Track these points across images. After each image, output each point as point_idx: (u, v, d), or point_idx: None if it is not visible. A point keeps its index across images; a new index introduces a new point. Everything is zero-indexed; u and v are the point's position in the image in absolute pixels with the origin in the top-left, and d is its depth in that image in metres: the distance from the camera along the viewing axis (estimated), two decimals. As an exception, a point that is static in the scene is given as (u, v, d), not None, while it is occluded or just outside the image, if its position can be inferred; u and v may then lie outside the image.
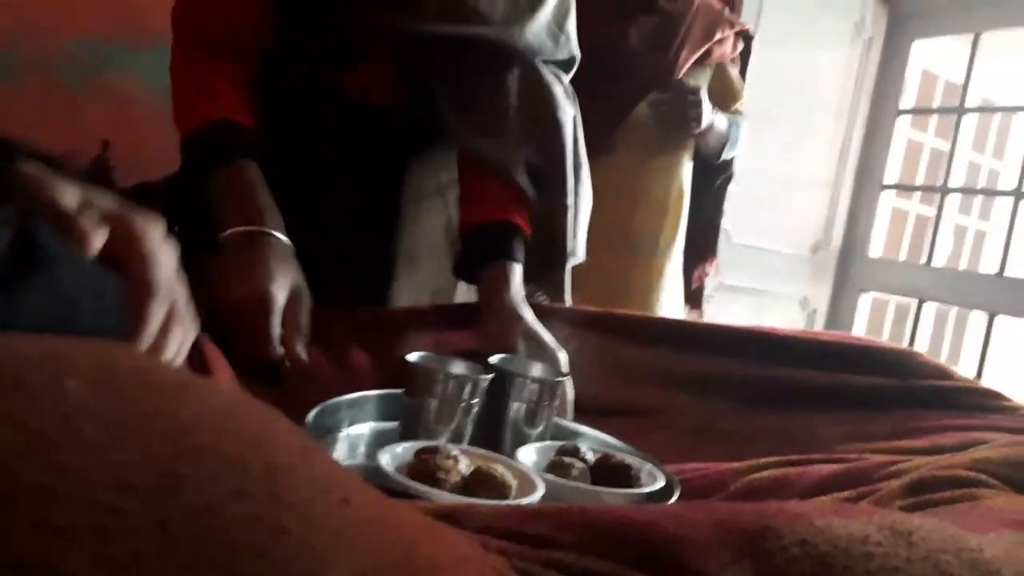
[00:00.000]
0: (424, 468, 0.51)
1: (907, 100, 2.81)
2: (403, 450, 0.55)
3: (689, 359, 0.90)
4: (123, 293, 0.39)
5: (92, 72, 1.91)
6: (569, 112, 0.95)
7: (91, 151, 1.87)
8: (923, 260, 2.73)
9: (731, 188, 1.76)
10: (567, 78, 0.99)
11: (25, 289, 0.33)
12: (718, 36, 1.61)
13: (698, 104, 1.50)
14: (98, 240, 0.38)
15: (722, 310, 2.29)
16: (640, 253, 1.54)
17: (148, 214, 0.42)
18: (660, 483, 0.62)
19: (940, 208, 2.76)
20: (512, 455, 0.62)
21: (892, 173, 2.81)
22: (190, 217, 0.77)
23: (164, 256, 0.41)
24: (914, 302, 2.76)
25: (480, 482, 0.52)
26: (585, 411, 0.81)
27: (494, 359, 0.70)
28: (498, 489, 0.52)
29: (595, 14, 1.42)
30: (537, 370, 0.73)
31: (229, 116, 0.83)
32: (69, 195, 0.39)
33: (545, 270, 0.94)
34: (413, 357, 0.63)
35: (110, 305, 0.39)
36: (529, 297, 0.98)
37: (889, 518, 0.33)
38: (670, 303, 1.58)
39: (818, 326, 2.74)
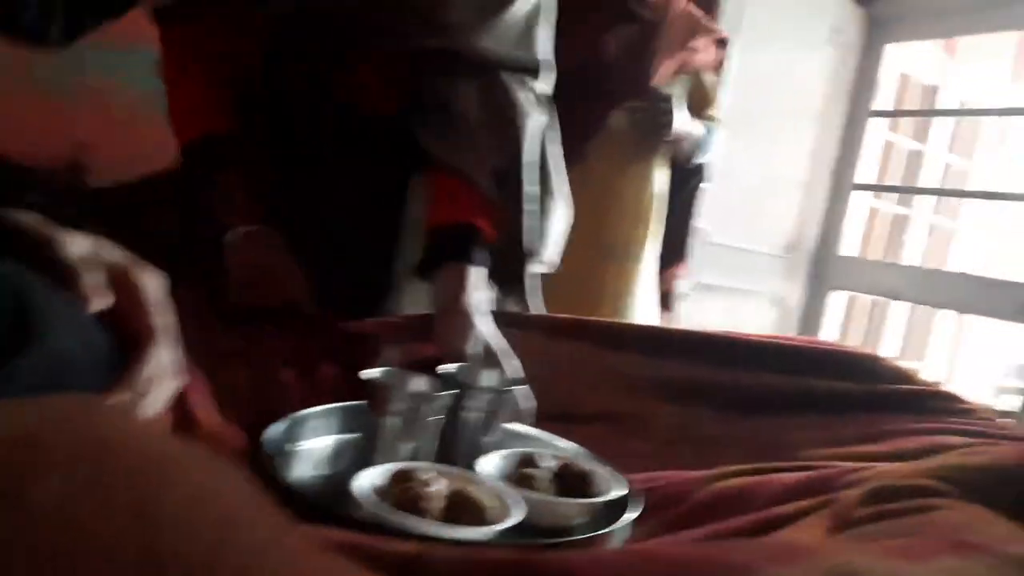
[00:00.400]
0: (406, 497, 0.52)
1: (883, 102, 2.85)
2: (377, 475, 0.55)
3: (660, 365, 0.91)
4: (115, 349, 0.41)
5: (71, 74, 1.89)
6: (535, 119, 0.95)
7: (67, 153, 1.84)
8: (900, 258, 2.78)
9: (709, 188, 1.78)
10: (540, 84, 1.00)
11: (24, 359, 0.34)
12: (694, 44, 1.62)
13: (669, 112, 1.51)
14: (102, 299, 0.40)
15: (698, 308, 2.31)
16: (614, 259, 1.56)
17: (149, 266, 0.44)
18: (621, 489, 0.63)
19: (911, 208, 2.80)
20: (468, 464, 0.62)
21: (868, 174, 2.85)
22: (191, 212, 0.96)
23: (166, 308, 0.43)
24: (886, 299, 2.80)
25: (461, 507, 0.53)
26: (556, 419, 0.81)
27: (446, 368, 0.71)
28: (479, 514, 0.53)
29: (573, 23, 1.43)
30: (490, 378, 0.73)
31: (220, 128, 0.94)
32: (72, 247, 0.39)
33: (508, 276, 0.95)
34: (372, 374, 0.64)
35: (104, 362, 0.40)
36: (500, 304, 0.99)
37: (832, 562, 0.34)
38: (644, 307, 1.59)
39: (792, 324, 2.78)
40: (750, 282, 2.62)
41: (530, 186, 0.94)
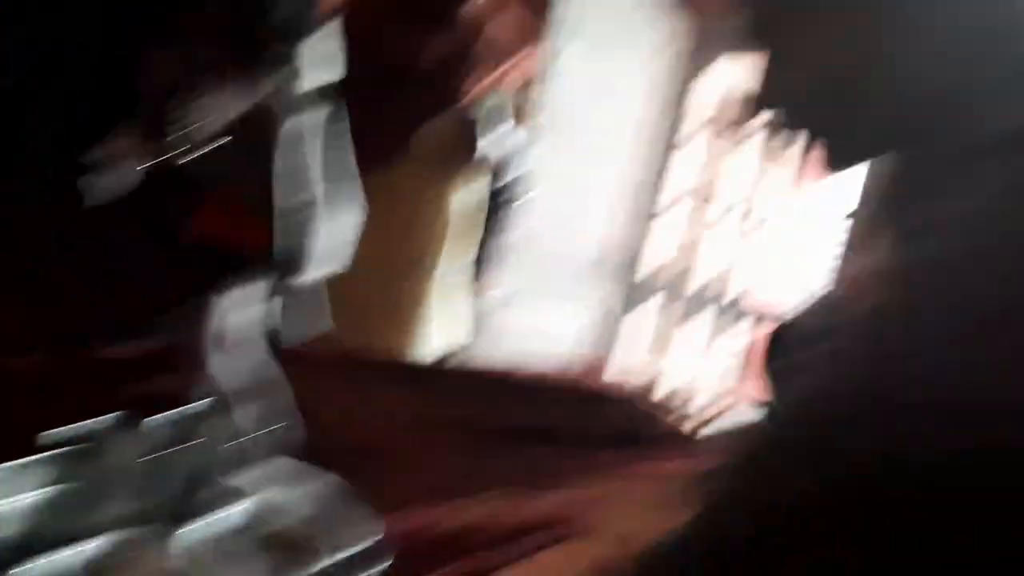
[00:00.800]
0: None
1: (708, 113, 3.01)
2: (67, 559, 0.52)
3: (429, 400, 0.95)
4: None
5: None
6: (295, 120, 0.89)
7: None
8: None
9: (529, 196, 1.82)
10: (319, 76, 0.90)
11: None
12: (519, 53, 1.64)
13: (473, 132, 1.53)
14: None
15: (514, 317, 2.34)
16: (418, 273, 1.57)
17: None
18: (365, 540, 0.64)
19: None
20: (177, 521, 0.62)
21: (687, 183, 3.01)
22: None
23: None
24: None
25: None
26: (320, 455, 0.82)
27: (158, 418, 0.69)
28: None
29: (389, 25, 1.41)
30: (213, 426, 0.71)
31: None
32: None
33: (277, 290, 0.92)
34: (50, 437, 0.59)
35: None
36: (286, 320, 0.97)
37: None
38: (449, 322, 1.61)
39: (608, 329, 2.88)
40: (567, 290, 2.69)
41: (294, 191, 0.89)
